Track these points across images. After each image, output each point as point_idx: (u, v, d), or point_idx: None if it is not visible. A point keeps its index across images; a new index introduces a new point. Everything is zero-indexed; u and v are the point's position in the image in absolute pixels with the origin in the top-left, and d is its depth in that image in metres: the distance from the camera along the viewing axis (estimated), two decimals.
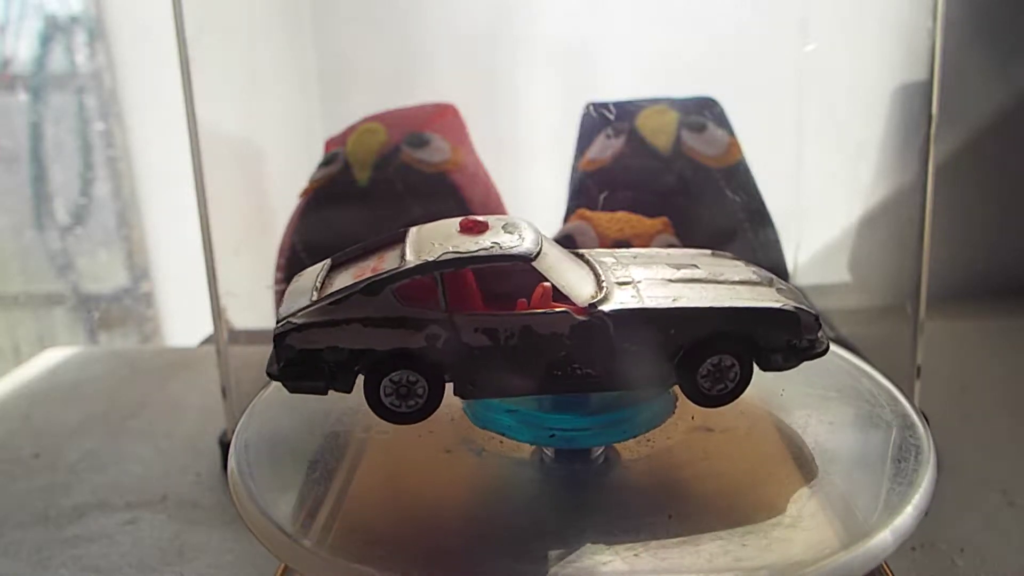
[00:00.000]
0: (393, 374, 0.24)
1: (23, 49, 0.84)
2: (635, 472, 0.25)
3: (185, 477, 0.45)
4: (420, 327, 0.23)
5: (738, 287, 0.25)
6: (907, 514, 0.21)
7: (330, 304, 0.24)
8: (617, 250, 0.28)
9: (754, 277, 0.26)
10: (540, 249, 0.24)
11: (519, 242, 0.24)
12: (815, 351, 0.25)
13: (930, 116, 0.40)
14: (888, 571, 0.26)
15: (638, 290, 0.25)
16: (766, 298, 0.25)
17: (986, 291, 0.70)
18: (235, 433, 0.27)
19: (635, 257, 0.27)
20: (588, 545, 0.22)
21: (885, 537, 0.21)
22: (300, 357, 0.24)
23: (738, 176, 0.53)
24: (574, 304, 0.24)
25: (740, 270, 0.26)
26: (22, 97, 0.86)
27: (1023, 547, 0.36)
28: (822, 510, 0.22)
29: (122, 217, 0.87)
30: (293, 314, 0.24)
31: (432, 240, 0.25)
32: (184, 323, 0.86)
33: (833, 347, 0.31)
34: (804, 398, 0.28)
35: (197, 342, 0.68)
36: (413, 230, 0.26)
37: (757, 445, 0.26)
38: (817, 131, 0.59)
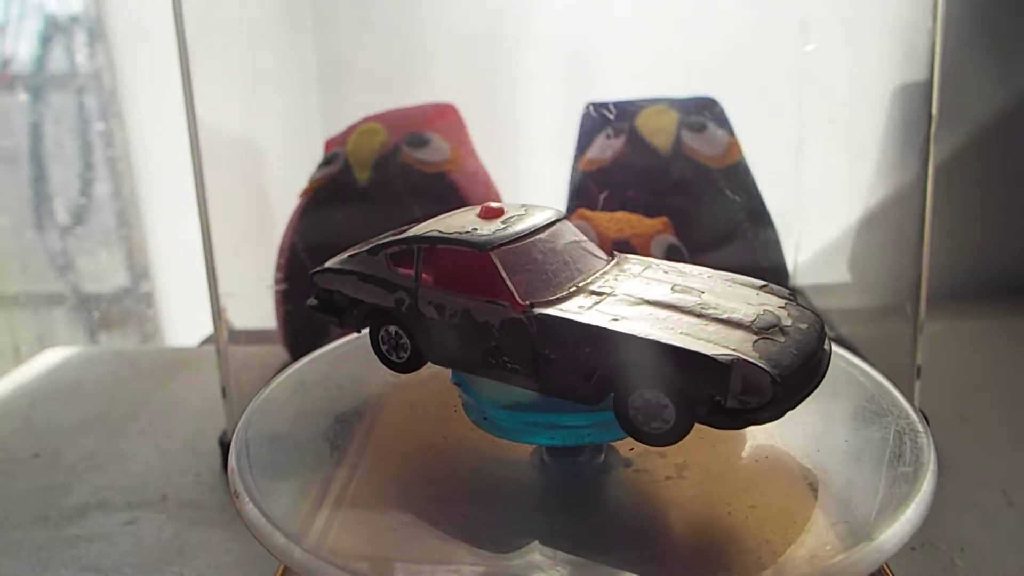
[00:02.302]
0: (389, 326, 0.27)
1: (23, 49, 0.84)
2: (635, 473, 0.25)
3: (185, 477, 0.45)
4: (393, 290, 0.27)
5: (711, 325, 0.23)
6: (908, 515, 0.21)
7: (349, 257, 0.28)
8: (661, 262, 0.27)
9: (748, 320, 0.23)
10: (509, 242, 0.25)
11: (493, 232, 0.26)
12: (753, 417, 0.21)
13: (930, 116, 0.40)
14: (888, 571, 0.26)
15: (599, 303, 0.24)
16: (713, 341, 0.22)
17: (986, 291, 0.70)
18: (235, 433, 0.27)
19: (666, 272, 0.26)
20: (589, 546, 0.22)
21: (886, 538, 0.21)
22: (323, 295, 0.29)
23: (738, 176, 0.53)
24: (516, 300, 0.24)
25: (749, 308, 0.23)
26: (22, 97, 0.86)
27: (1023, 547, 0.36)
28: (823, 511, 0.22)
29: (122, 217, 0.87)
30: (335, 259, 0.29)
31: (448, 220, 0.27)
32: (184, 323, 0.86)
33: (833, 347, 0.31)
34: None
35: (197, 342, 0.68)
36: (460, 210, 0.28)
37: (757, 446, 0.25)
38: (817, 131, 0.59)
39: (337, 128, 0.54)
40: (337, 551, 0.21)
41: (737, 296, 0.25)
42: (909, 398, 0.27)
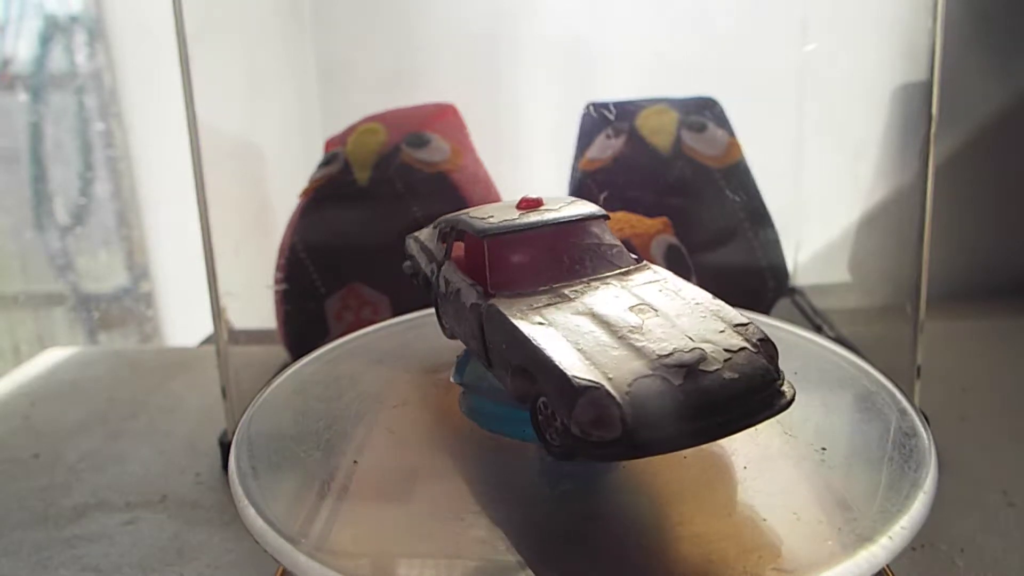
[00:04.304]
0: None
1: (23, 49, 0.84)
2: (636, 472, 0.25)
3: (185, 477, 0.45)
4: (431, 261, 0.29)
5: (618, 350, 0.22)
6: (909, 515, 0.21)
7: (422, 228, 0.32)
8: (671, 280, 0.26)
9: (662, 352, 0.21)
10: (505, 233, 0.26)
11: (501, 221, 0.27)
12: (597, 451, 0.20)
13: (930, 116, 0.40)
14: (888, 571, 0.26)
15: (550, 305, 0.24)
16: (597, 364, 0.21)
17: (986, 291, 0.70)
18: (236, 433, 0.27)
19: (659, 291, 0.25)
20: (589, 545, 0.22)
21: (887, 539, 0.21)
22: (405, 258, 0.32)
23: (738, 176, 0.53)
24: (487, 287, 0.25)
25: (684, 342, 0.22)
26: (22, 97, 0.86)
27: (1023, 547, 0.36)
28: (823, 512, 0.22)
29: (122, 217, 0.87)
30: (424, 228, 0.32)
31: (488, 206, 0.29)
32: (184, 323, 0.86)
33: (833, 346, 0.31)
34: (803, 398, 0.28)
35: (197, 342, 0.68)
36: (513, 199, 0.29)
37: (756, 448, 0.25)
38: (817, 131, 0.59)
39: (337, 128, 0.54)
40: (336, 552, 0.21)
41: (693, 327, 0.23)
42: (909, 398, 0.27)
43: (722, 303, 0.24)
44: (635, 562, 0.21)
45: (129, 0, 0.80)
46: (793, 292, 0.62)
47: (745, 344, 0.22)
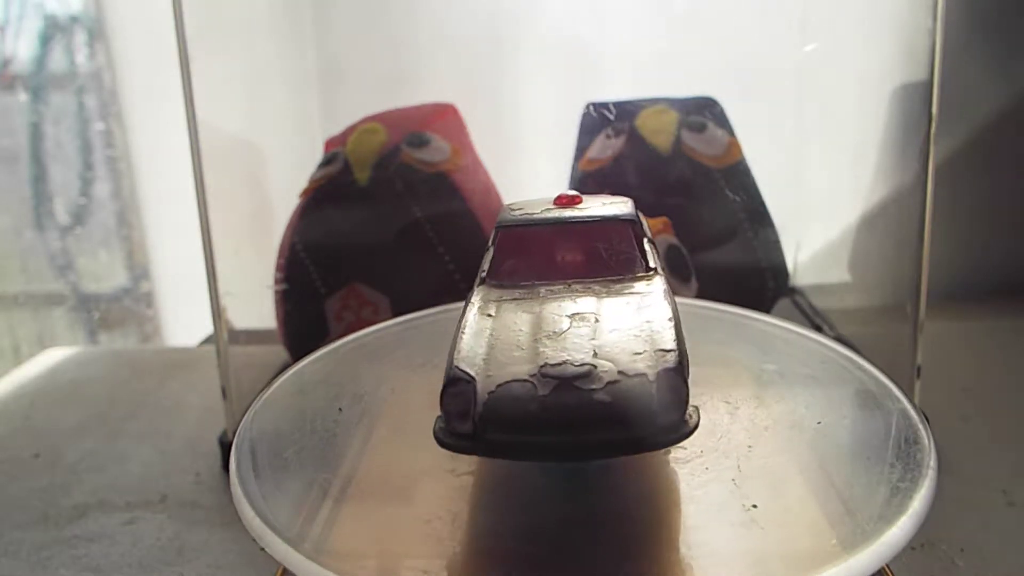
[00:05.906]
0: None
1: (23, 49, 0.84)
2: (637, 473, 0.25)
3: (185, 477, 0.45)
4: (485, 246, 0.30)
5: (523, 351, 0.22)
6: (909, 515, 0.21)
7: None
8: (656, 295, 0.25)
9: (552, 361, 0.21)
10: (519, 226, 0.27)
11: (523, 214, 0.27)
12: (455, 443, 0.21)
13: (930, 116, 0.40)
14: (888, 571, 0.26)
15: (517, 300, 0.25)
16: (490, 359, 0.21)
17: (986, 291, 0.70)
18: (237, 434, 0.27)
19: (627, 303, 0.24)
20: (590, 544, 0.22)
21: (887, 539, 0.21)
22: None
23: (738, 176, 0.53)
24: (486, 276, 0.26)
25: (582, 356, 0.21)
26: (22, 97, 0.86)
27: (1023, 547, 0.36)
28: (823, 511, 0.22)
29: (122, 217, 0.88)
30: None
31: (532, 199, 0.29)
32: (184, 323, 0.86)
33: (833, 345, 0.31)
34: (803, 398, 0.28)
35: (197, 342, 0.68)
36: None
37: (757, 446, 0.25)
38: (817, 131, 0.59)
39: (337, 128, 0.54)
40: (337, 553, 0.21)
41: (612, 344, 0.22)
42: (909, 398, 0.27)
43: (672, 327, 0.22)
44: (634, 563, 0.21)
45: (129, 0, 0.80)
46: (793, 292, 0.62)
47: (646, 371, 0.20)
